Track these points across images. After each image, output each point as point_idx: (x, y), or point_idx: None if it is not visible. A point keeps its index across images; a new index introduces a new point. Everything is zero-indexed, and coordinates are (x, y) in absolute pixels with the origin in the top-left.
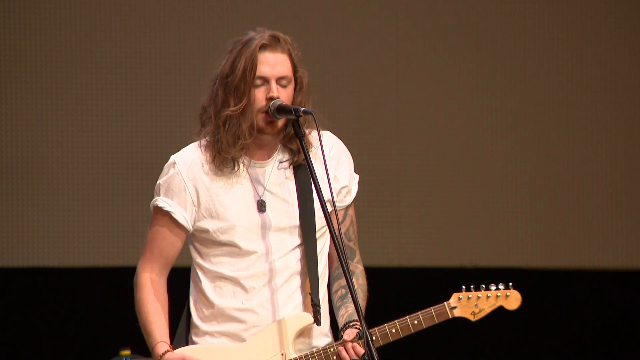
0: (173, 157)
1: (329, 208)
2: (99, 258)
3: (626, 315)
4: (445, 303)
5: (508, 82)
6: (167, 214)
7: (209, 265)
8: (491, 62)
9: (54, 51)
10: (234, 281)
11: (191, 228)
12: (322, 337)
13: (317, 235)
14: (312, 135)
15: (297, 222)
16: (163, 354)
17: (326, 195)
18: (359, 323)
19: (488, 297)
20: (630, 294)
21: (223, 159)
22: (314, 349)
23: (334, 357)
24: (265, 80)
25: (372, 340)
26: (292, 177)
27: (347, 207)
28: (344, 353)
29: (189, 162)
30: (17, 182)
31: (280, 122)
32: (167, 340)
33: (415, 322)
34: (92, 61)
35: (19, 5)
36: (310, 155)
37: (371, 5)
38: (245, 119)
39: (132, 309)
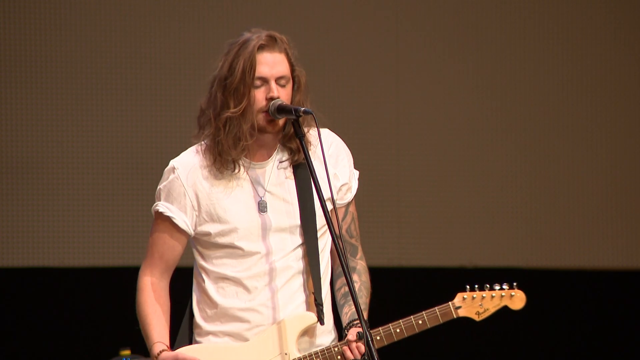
0: (172, 162)
1: (329, 207)
2: (99, 258)
3: (626, 315)
4: (449, 303)
5: (508, 82)
6: (168, 219)
7: (212, 267)
8: (491, 62)
9: (53, 51)
10: (237, 282)
11: (192, 232)
12: (326, 334)
13: (319, 234)
14: (311, 134)
15: (298, 222)
16: (159, 354)
17: (326, 194)
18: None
19: (493, 297)
20: (630, 294)
21: (224, 161)
22: (318, 349)
23: (338, 357)
24: (265, 81)
25: (372, 340)
26: (292, 177)
27: (348, 204)
28: (348, 353)
29: (189, 167)
30: (17, 182)
31: (281, 121)
32: (165, 340)
33: (420, 322)
34: (92, 61)
35: (19, 5)
36: (310, 154)
37: (371, 5)
38: (246, 120)
39: (132, 309)
